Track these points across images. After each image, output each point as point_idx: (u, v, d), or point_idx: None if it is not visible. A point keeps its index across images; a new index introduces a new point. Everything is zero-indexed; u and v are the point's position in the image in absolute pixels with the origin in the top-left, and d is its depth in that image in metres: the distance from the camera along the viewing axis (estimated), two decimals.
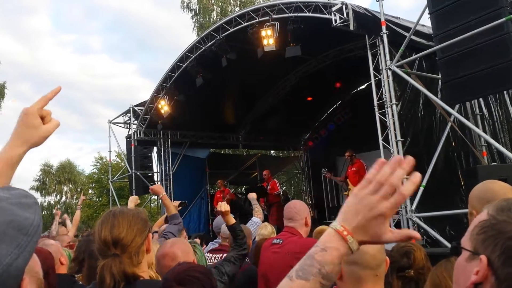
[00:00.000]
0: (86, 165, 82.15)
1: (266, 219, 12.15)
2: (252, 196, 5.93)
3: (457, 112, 6.88)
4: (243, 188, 17.91)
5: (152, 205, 20.11)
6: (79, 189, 38.15)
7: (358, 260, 1.70)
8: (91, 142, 70.02)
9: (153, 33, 64.55)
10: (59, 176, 39.04)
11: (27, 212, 0.77)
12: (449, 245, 6.19)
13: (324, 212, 13.86)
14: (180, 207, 6.16)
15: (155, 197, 16.03)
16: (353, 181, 10.28)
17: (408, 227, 6.92)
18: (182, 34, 51.68)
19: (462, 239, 0.98)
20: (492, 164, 7.37)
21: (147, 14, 58.15)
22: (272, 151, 21.91)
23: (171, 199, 12.98)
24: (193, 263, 2.01)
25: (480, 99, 7.74)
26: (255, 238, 4.70)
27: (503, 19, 5.40)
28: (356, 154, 13.41)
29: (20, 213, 0.76)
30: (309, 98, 14.08)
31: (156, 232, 4.95)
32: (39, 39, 62.43)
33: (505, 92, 8.27)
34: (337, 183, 11.67)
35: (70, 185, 39.30)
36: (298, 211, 3.38)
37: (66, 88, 61.29)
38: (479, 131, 6.89)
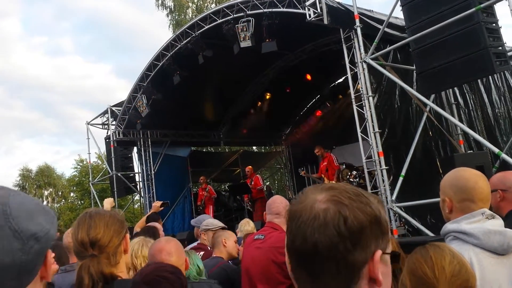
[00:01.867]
0: (65, 168, 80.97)
1: (250, 215, 12.20)
2: None
3: (433, 102, 6.99)
4: (226, 185, 17.91)
5: (135, 206, 19.97)
6: (60, 193, 37.63)
7: None
8: (68, 145, 68.69)
9: (126, 32, 63.83)
10: (38, 181, 38.40)
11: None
12: (430, 233, 6.30)
13: None
14: (162, 208, 6.15)
15: (138, 198, 15.91)
16: (327, 175, 10.40)
17: (389, 217, 7.02)
18: (158, 33, 51.08)
19: None
20: (469, 152, 7.51)
21: (119, 13, 57.44)
22: (254, 147, 21.93)
23: (153, 199, 13.03)
24: (162, 263, 2.00)
25: (455, 88, 7.88)
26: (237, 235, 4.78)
27: (473, 9, 5.51)
28: (337, 146, 13.55)
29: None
30: (288, 90, 14.08)
31: (137, 232, 4.92)
32: (10, 42, 61.12)
33: (479, 80, 8.44)
34: (314, 180, 11.77)
35: (50, 189, 38.68)
36: (286, 206, 3.39)
37: (40, 91, 60.36)
38: (455, 120, 7.01)
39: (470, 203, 2.01)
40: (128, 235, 1.97)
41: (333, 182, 10.09)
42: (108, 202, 4.71)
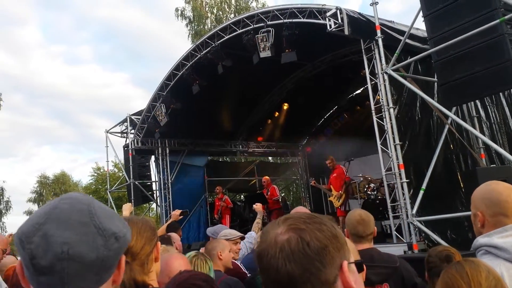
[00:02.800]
0: (81, 176, 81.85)
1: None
2: (259, 209, 5.92)
3: (454, 114, 6.89)
4: (242, 196, 17.88)
5: (151, 214, 20.05)
6: None
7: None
8: (85, 153, 69.79)
9: (144, 42, 64.48)
10: (55, 188, 38.89)
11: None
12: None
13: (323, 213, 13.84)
14: (181, 216, 6.14)
15: (154, 207, 16.00)
16: (335, 187, 10.29)
17: (409, 231, 6.91)
18: (175, 43, 51.62)
19: None
20: (491, 166, 7.38)
21: (137, 23, 58.12)
22: (270, 158, 21.90)
23: (170, 208, 13.06)
24: (194, 271, 1.99)
25: (477, 101, 7.77)
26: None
27: (497, 20, 5.43)
28: (355, 158, 13.44)
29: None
30: (306, 100, 14.06)
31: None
32: (29, 51, 62.33)
33: (501, 93, 8.31)
34: (323, 190, 11.69)
35: None
36: None
37: (58, 99, 61.35)
38: (477, 133, 6.90)
39: (503, 217, 1.96)
40: (159, 243, 1.95)
41: (341, 192, 10.00)
42: (127, 208, 4.71)
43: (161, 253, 2.73)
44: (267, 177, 12.95)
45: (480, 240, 2.00)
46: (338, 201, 10.12)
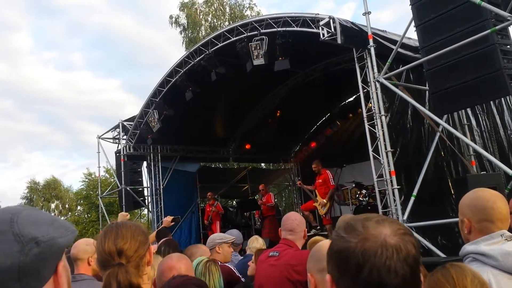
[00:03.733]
0: (72, 182, 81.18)
1: (259, 232, 12.17)
2: None
3: (445, 122, 6.98)
4: (234, 201, 17.89)
5: (142, 220, 19.96)
6: (67, 206, 37.75)
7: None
8: (76, 159, 69.01)
9: (136, 49, 64.39)
10: (45, 193, 38.60)
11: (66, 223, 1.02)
12: (441, 254, 6.24)
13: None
14: (173, 223, 6.16)
15: (145, 213, 15.91)
16: (320, 192, 10.32)
17: None
18: (168, 50, 51.62)
19: None
20: (482, 173, 7.47)
21: (130, 30, 58.12)
22: (262, 164, 21.94)
23: (161, 214, 13.02)
24: (188, 275, 2.01)
25: (468, 109, 7.87)
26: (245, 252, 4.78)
27: (488, 30, 5.53)
28: (347, 165, 13.51)
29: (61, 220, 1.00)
30: (298, 108, 14.16)
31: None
32: (21, 56, 62.04)
33: (491, 102, 8.42)
34: (307, 192, 11.69)
35: (57, 202, 38.84)
36: (299, 223, 3.40)
37: (50, 105, 60.98)
38: (468, 140, 6.99)
39: (488, 223, 2.01)
40: (152, 247, 2.00)
41: (324, 201, 10.03)
42: (122, 216, 4.73)
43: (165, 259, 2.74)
44: (263, 184, 13.05)
45: (467, 247, 2.04)
46: (323, 210, 10.15)
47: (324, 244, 1.98)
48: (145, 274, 1.91)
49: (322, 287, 1.80)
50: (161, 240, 4.80)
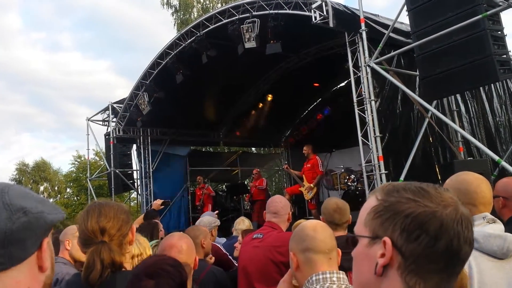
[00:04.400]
0: (61, 164, 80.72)
1: (248, 216, 12.22)
2: None
3: (435, 108, 6.98)
4: (224, 185, 17.91)
5: (132, 203, 19.94)
6: (56, 188, 37.59)
7: (310, 246, 1.81)
8: (65, 141, 68.54)
9: (127, 30, 63.77)
10: (34, 176, 38.36)
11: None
12: None
13: (304, 208, 13.95)
14: (162, 206, 6.17)
15: (134, 196, 15.91)
16: (307, 177, 10.33)
17: None
18: (159, 32, 51.07)
19: (355, 229, 1.03)
20: (469, 158, 7.51)
21: (121, 11, 57.37)
22: (253, 148, 21.94)
23: (151, 197, 13.02)
24: (164, 255, 2.00)
25: (457, 95, 7.88)
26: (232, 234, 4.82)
27: (480, 16, 5.50)
28: (336, 150, 13.53)
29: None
30: (290, 92, 14.12)
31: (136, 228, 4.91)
32: (10, 37, 61.09)
33: (481, 88, 8.44)
34: (294, 177, 11.73)
35: (46, 184, 38.65)
36: (284, 206, 3.41)
37: (38, 86, 60.29)
38: (456, 126, 7.01)
39: (472, 207, 2.01)
40: (134, 227, 2.01)
41: (311, 185, 10.05)
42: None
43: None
44: (257, 169, 13.10)
45: None
46: (309, 194, 10.15)
47: (307, 224, 1.98)
48: (127, 252, 1.93)
49: (304, 265, 1.81)
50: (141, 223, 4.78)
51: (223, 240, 5.14)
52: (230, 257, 4.10)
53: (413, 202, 0.93)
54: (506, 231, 1.96)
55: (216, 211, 7.12)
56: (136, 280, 1.68)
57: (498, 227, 1.97)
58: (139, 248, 2.65)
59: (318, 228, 1.91)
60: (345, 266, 1.98)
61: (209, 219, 4.68)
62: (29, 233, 0.89)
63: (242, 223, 4.87)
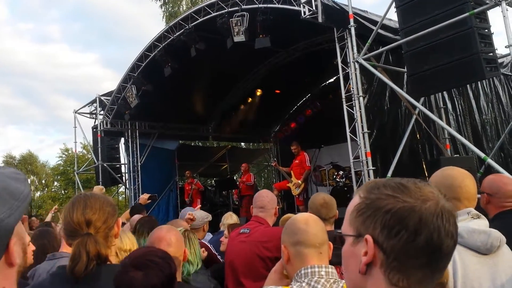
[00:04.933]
0: (48, 157, 79.90)
1: (237, 211, 12.24)
2: None
3: (422, 105, 7.03)
4: (213, 180, 17.89)
5: (120, 197, 19.84)
6: (43, 181, 37.23)
7: (301, 239, 1.82)
8: (52, 134, 67.90)
9: (115, 23, 63.25)
10: (21, 169, 37.91)
11: (19, 183, 0.91)
12: None
13: (293, 204, 14.01)
14: (149, 200, 6.13)
15: (123, 189, 15.81)
16: (295, 173, 10.41)
17: None
18: (148, 25, 50.70)
19: (342, 227, 1.03)
20: (455, 155, 7.59)
21: (109, 3, 56.81)
22: (242, 143, 21.92)
23: (138, 191, 12.95)
24: (153, 247, 1.99)
25: (444, 93, 7.95)
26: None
27: (467, 14, 5.54)
28: (325, 146, 13.57)
29: (13, 183, 0.90)
30: (277, 91, 14.12)
31: (125, 223, 4.89)
32: None
33: (468, 86, 8.52)
34: (282, 173, 11.80)
35: (33, 177, 38.26)
36: (270, 200, 3.41)
37: (25, 78, 59.53)
38: (443, 124, 7.07)
39: (456, 201, 2.02)
40: (120, 220, 2.01)
41: (299, 181, 10.11)
42: (98, 190, 4.68)
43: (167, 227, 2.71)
44: (246, 164, 13.09)
45: None
46: (297, 190, 10.21)
47: (298, 217, 1.98)
48: (113, 245, 1.93)
49: (294, 258, 1.82)
50: (138, 218, 4.75)
51: (210, 236, 5.13)
52: (218, 257, 4.08)
53: (392, 198, 0.92)
54: (491, 227, 1.98)
55: (198, 206, 7.10)
56: (125, 271, 1.67)
57: (482, 223, 1.99)
58: (129, 243, 2.64)
59: (310, 222, 1.92)
60: (333, 261, 2.00)
61: (202, 213, 4.67)
62: None
63: (230, 218, 4.87)
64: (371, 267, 0.93)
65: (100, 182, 13.00)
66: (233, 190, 14.72)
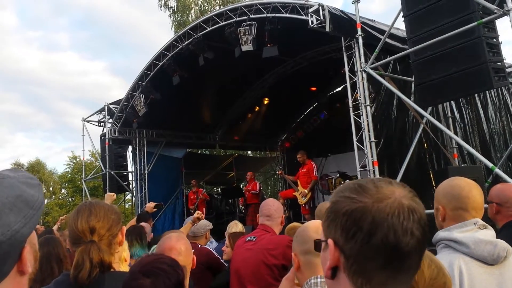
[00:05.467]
0: (56, 164, 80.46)
1: (242, 220, 12.22)
2: None
3: (430, 114, 7.01)
4: (219, 189, 17.88)
5: (126, 205, 19.90)
6: (51, 189, 37.43)
7: (312, 248, 1.80)
8: (60, 141, 68.43)
9: (123, 32, 63.79)
10: None
11: (33, 190, 0.89)
12: None
13: (299, 213, 13.96)
14: (155, 209, 6.15)
15: (129, 198, 15.85)
16: (302, 182, 10.36)
17: None
18: (157, 33, 51.11)
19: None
20: (463, 165, 7.54)
21: (117, 12, 57.41)
22: (249, 152, 21.93)
23: (145, 199, 12.97)
24: (162, 254, 2.00)
25: (452, 102, 7.92)
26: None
27: (475, 23, 5.53)
28: (332, 155, 13.54)
29: (27, 190, 0.88)
30: (285, 100, 14.15)
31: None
32: (5, 35, 60.98)
33: (476, 95, 8.48)
34: (288, 182, 11.77)
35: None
36: (277, 209, 3.41)
37: (33, 85, 60.12)
38: (451, 133, 7.04)
39: (463, 211, 2.02)
40: (124, 228, 2.02)
41: (306, 191, 10.07)
42: (108, 198, 4.70)
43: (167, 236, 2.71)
44: (251, 172, 13.08)
45: (441, 234, 2.05)
46: (303, 199, 10.18)
47: (309, 225, 1.98)
48: (116, 252, 1.92)
49: (305, 267, 1.81)
50: (145, 226, 4.78)
51: (215, 244, 5.14)
52: (222, 261, 4.10)
53: (349, 199, 0.91)
54: (500, 237, 1.97)
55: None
56: (132, 279, 1.67)
57: (489, 233, 1.98)
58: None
59: (321, 231, 1.91)
60: None
61: (203, 222, 4.69)
62: (5, 260, 0.82)
63: (235, 227, 4.86)
64: (338, 271, 0.92)
65: (107, 190, 13.03)
66: (239, 198, 14.71)
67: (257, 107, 14.77)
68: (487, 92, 8.59)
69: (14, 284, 0.86)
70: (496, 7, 5.45)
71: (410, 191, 0.93)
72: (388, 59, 7.31)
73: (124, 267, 2.17)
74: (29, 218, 0.85)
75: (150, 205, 6.09)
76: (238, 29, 9.15)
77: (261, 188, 13.69)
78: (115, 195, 5.19)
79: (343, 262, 0.91)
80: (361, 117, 7.45)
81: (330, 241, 0.92)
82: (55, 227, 7.51)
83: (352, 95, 7.88)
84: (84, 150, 14.46)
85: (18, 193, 0.86)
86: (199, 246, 4.24)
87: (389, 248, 0.86)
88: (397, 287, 0.89)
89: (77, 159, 31.76)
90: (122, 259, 2.29)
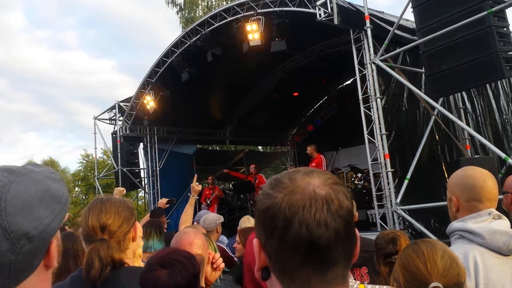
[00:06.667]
0: (69, 163, 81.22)
1: (253, 214, 12.23)
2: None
3: (441, 105, 6.95)
4: (230, 184, 17.91)
5: (139, 202, 20.03)
6: None
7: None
8: (72, 140, 69.20)
9: (131, 29, 64.16)
10: None
11: (58, 185, 0.90)
12: (433, 237, 6.27)
13: None
14: (168, 205, 6.18)
15: (142, 194, 15.95)
16: None
17: (393, 220, 7.00)
18: (164, 30, 51.25)
19: None
20: (475, 156, 7.48)
21: (124, 10, 57.64)
22: (259, 147, 21.92)
23: (158, 196, 13.03)
24: (178, 248, 2.02)
25: (463, 93, 7.84)
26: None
27: (485, 12, 5.47)
28: (343, 148, 13.49)
29: (53, 185, 0.88)
30: (295, 94, 14.11)
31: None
32: (14, 35, 61.57)
33: (487, 85, 8.39)
34: None
35: None
36: None
37: (44, 85, 60.64)
38: (463, 124, 6.98)
39: (477, 202, 2.00)
40: (137, 223, 2.00)
41: None
42: (117, 193, 4.74)
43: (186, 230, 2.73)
44: (254, 165, 13.05)
45: (455, 224, 2.03)
46: None
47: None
48: (127, 248, 1.91)
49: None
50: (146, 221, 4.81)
51: (226, 239, 5.16)
52: (236, 259, 4.11)
53: (266, 196, 0.88)
54: None
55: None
56: (150, 270, 1.70)
57: (504, 223, 1.96)
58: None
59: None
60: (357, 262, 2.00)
61: (214, 216, 4.70)
62: (35, 255, 0.83)
63: (247, 222, 4.84)
64: (269, 272, 0.88)
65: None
66: (253, 193, 14.72)
67: (267, 102, 14.76)
68: (498, 82, 8.49)
69: (40, 278, 0.86)
70: None
71: (330, 179, 0.87)
72: (398, 50, 7.26)
73: (138, 263, 2.20)
74: (57, 213, 0.86)
75: (162, 201, 6.11)
76: (246, 24, 9.13)
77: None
78: (125, 190, 5.23)
79: (268, 262, 0.87)
80: (372, 109, 7.41)
81: (255, 241, 0.89)
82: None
83: (362, 88, 7.84)
84: (96, 148, 14.60)
85: (45, 188, 0.86)
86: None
87: (304, 243, 0.81)
88: (325, 286, 0.84)
89: (90, 157, 32.02)
90: (137, 255, 2.32)
